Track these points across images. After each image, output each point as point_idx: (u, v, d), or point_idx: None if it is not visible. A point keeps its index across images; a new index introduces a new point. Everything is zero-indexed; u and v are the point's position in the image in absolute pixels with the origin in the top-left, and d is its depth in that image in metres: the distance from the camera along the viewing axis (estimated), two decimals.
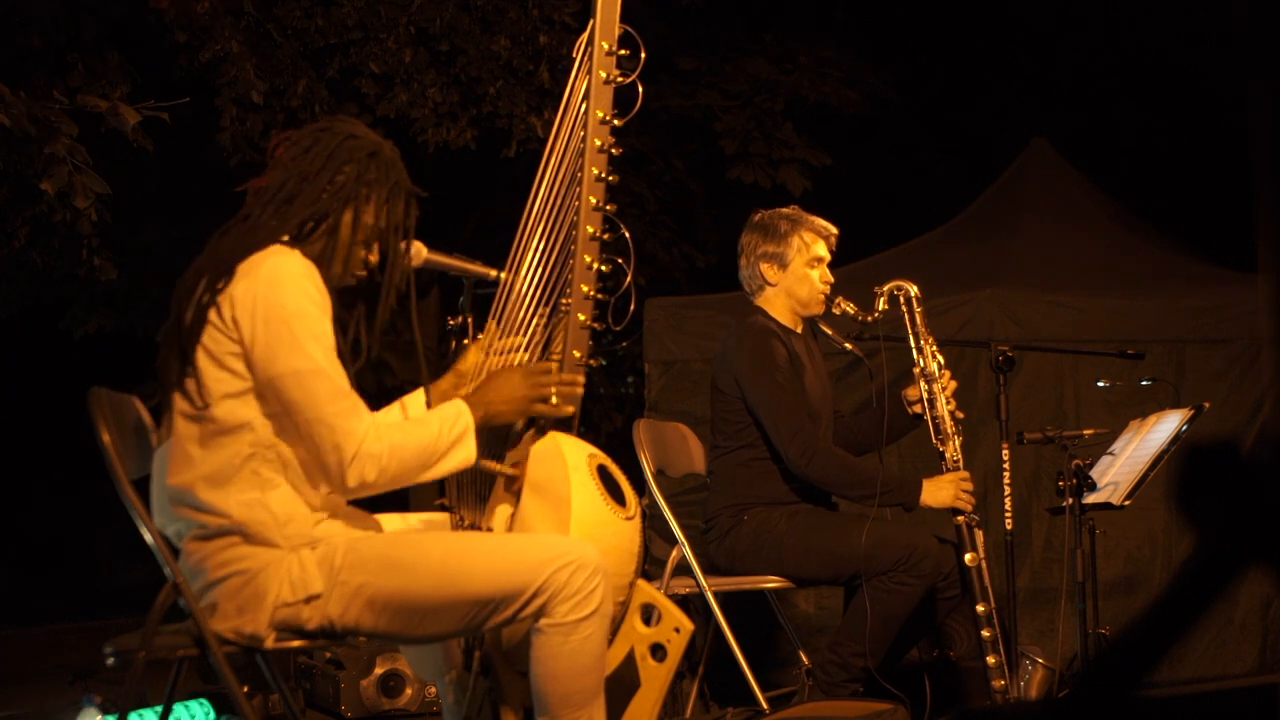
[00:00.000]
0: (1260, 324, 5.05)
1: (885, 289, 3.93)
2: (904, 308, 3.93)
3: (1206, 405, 3.99)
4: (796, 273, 4.01)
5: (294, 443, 2.57)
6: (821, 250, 4.04)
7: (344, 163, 2.64)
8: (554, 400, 2.80)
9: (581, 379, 2.88)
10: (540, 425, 2.87)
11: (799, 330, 4.08)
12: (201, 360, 2.52)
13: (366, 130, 2.74)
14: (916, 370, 3.89)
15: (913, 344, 3.90)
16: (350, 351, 2.64)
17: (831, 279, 4.05)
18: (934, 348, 3.91)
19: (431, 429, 2.62)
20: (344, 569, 2.54)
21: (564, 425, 2.90)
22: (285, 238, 2.59)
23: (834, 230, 4.07)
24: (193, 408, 2.53)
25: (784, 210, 4.11)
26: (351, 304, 2.66)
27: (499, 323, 2.92)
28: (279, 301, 2.50)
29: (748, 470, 3.97)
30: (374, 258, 2.69)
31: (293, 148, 2.67)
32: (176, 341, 2.55)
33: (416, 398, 2.89)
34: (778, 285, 4.03)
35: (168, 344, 2.57)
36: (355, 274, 2.69)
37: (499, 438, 2.89)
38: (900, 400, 4.00)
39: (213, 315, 2.52)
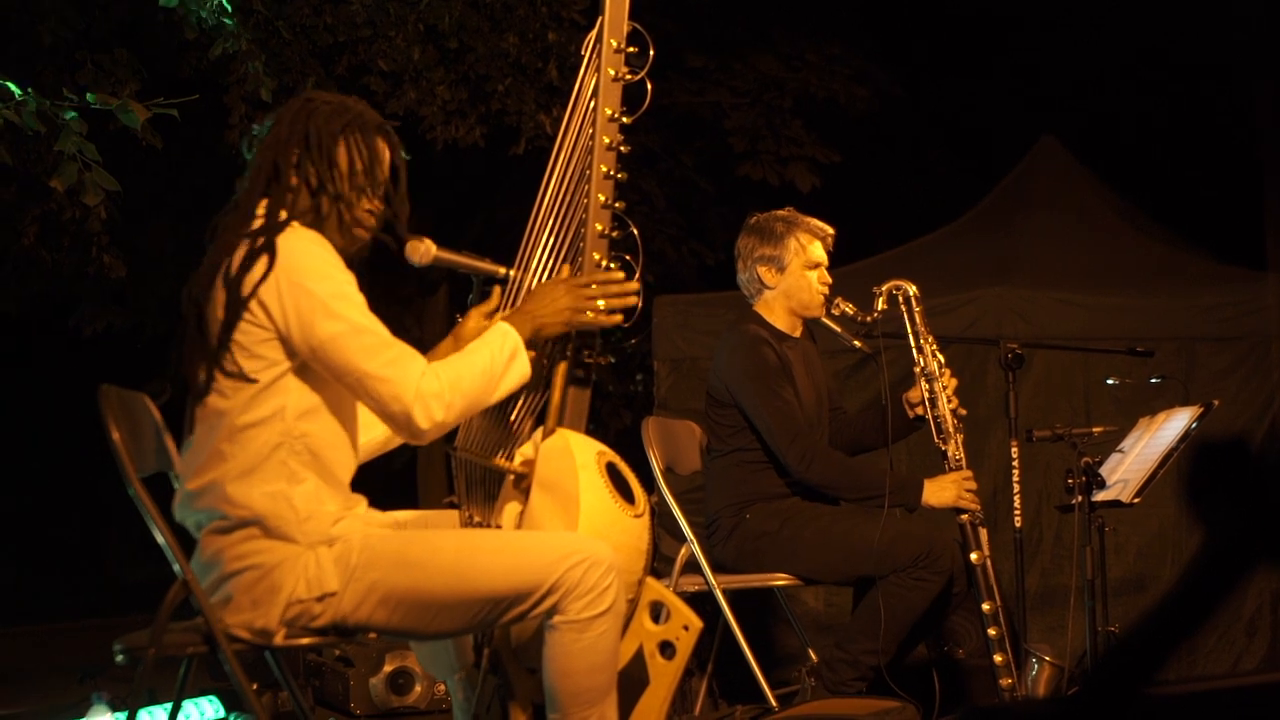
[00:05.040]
0: (1270, 321, 5.05)
1: (884, 289, 3.92)
2: (903, 307, 3.92)
3: (1216, 403, 3.98)
4: (794, 275, 4.00)
5: (325, 430, 2.59)
6: (818, 251, 4.02)
7: (307, 122, 2.67)
8: (601, 305, 2.80)
9: (634, 285, 2.84)
10: (548, 426, 2.86)
11: (797, 334, 4.06)
12: (235, 352, 2.54)
13: (326, 94, 2.79)
14: (917, 370, 3.88)
15: (913, 343, 3.89)
16: None
17: (830, 280, 4.04)
18: (934, 347, 3.89)
19: (484, 355, 2.66)
20: (359, 567, 2.55)
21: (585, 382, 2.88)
22: (284, 214, 2.61)
23: (830, 231, 4.05)
24: (231, 395, 2.54)
25: (779, 212, 4.09)
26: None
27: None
28: (299, 274, 2.53)
29: (742, 469, 3.97)
30: (376, 206, 2.70)
31: (261, 133, 2.72)
32: (204, 344, 2.55)
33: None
34: (776, 288, 4.02)
35: (191, 347, 2.57)
36: (361, 229, 2.68)
37: (508, 434, 2.90)
38: (903, 402, 3.99)
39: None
